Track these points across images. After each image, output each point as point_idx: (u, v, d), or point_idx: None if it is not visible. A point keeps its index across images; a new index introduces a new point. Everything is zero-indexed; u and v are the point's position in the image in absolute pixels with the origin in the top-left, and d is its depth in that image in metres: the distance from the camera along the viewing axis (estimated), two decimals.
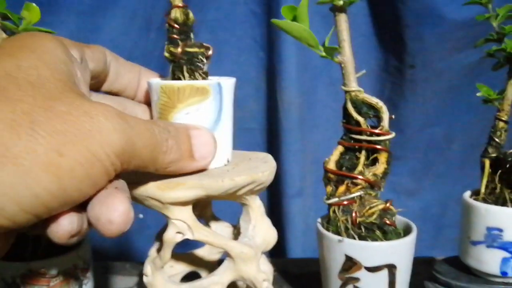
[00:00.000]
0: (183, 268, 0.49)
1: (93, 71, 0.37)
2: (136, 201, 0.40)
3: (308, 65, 0.83)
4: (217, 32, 0.82)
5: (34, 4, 0.40)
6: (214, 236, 0.41)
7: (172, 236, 0.40)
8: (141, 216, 0.71)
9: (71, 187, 0.26)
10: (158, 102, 0.40)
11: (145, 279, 0.43)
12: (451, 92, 0.87)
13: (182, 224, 0.40)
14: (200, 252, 0.51)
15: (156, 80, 0.41)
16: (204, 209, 0.49)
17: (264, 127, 0.88)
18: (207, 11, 0.81)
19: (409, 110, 0.86)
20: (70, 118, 0.26)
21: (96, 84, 0.39)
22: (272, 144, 0.86)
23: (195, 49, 0.39)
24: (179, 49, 0.39)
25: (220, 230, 0.49)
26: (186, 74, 0.39)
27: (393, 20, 0.82)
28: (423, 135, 0.88)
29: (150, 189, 0.38)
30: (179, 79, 0.40)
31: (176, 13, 0.39)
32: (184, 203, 0.39)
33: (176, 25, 0.38)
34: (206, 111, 0.40)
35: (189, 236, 0.40)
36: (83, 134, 0.26)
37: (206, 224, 0.50)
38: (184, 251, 0.50)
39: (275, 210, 0.87)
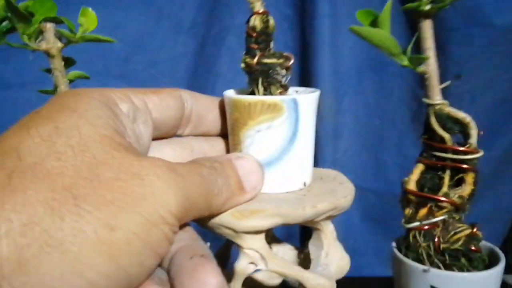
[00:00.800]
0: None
1: (157, 119, 0.33)
2: (206, 228, 0.36)
3: (339, 70, 0.79)
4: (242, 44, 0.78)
5: (90, 9, 0.36)
6: (289, 267, 0.37)
7: (244, 267, 0.36)
8: (208, 244, 0.67)
9: (130, 263, 0.22)
10: (230, 117, 0.36)
11: None
12: (502, 105, 0.81)
13: (255, 254, 0.36)
14: (259, 276, 0.47)
15: (230, 93, 0.37)
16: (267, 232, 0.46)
17: None
18: (236, 15, 0.76)
19: None
20: (118, 184, 0.23)
21: (172, 131, 0.36)
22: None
23: (273, 60, 0.35)
24: (255, 60, 0.35)
25: (283, 253, 0.46)
26: (260, 88, 0.35)
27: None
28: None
29: (224, 217, 0.34)
30: (254, 93, 0.36)
31: (255, 21, 0.35)
32: (258, 232, 0.35)
33: (254, 34, 0.34)
34: (279, 129, 0.36)
35: (262, 267, 0.36)
36: (135, 199, 0.23)
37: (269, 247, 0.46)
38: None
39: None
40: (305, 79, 0.79)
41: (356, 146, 0.83)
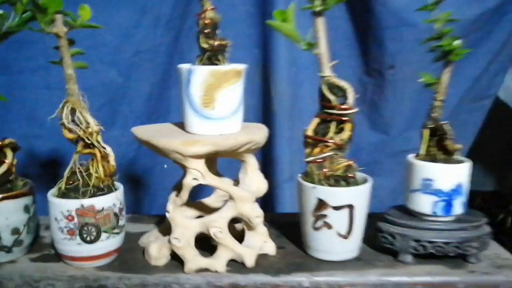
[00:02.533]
0: (193, 213, 0.63)
1: None
2: (163, 155, 0.54)
3: (297, 61, 0.95)
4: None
5: (86, 6, 0.53)
6: (221, 182, 0.56)
7: (189, 181, 0.54)
8: (165, 166, 0.84)
9: None
10: (204, 83, 0.53)
11: (167, 214, 0.56)
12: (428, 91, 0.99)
13: (197, 172, 0.54)
14: (207, 200, 0.65)
15: (200, 67, 0.54)
16: (211, 168, 0.63)
17: (260, 119, 0.96)
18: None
19: (390, 111, 0.94)
20: None
21: None
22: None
23: (225, 42, 0.53)
24: (217, 42, 0.53)
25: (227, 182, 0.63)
26: (223, 61, 0.54)
27: (373, 23, 0.90)
28: (406, 136, 0.94)
29: (176, 145, 0.52)
30: (215, 65, 0.54)
31: (210, 14, 0.53)
32: (199, 157, 0.53)
33: (209, 23, 0.52)
34: (240, 88, 0.55)
35: (202, 181, 0.54)
36: None
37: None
38: (195, 200, 0.64)
39: (269, 194, 0.99)
40: (266, 68, 0.94)
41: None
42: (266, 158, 0.94)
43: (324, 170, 0.58)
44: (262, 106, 0.96)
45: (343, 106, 0.57)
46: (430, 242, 0.56)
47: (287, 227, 0.67)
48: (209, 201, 0.64)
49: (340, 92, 0.58)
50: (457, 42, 0.55)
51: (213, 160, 0.62)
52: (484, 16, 0.95)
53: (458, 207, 0.57)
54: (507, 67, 1.10)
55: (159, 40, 0.88)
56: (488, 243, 0.58)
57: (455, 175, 0.56)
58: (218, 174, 0.64)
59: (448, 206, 0.56)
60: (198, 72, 0.53)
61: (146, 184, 0.91)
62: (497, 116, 1.44)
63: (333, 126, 0.58)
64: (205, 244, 0.59)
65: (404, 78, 0.94)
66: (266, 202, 0.96)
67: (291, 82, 0.92)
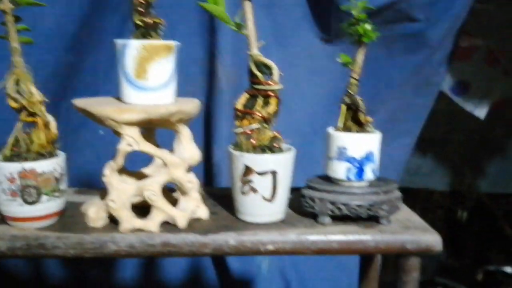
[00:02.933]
0: (134, 181, 0.68)
1: None
2: (99, 122, 0.58)
3: (244, 46, 1.02)
4: (170, 17, 0.99)
5: None
6: (154, 149, 0.61)
7: (124, 147, 0.59)
8: (101, 132, 0.89)
9: None
10: (137, 56, 0.58)
11: (104, 178, 0.61)
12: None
13: (131, 139, 0.59)
14: (146, 170, 0.70)
15: (131, 41, 0.59)
16: (150, 139, 0.68)
17: (208, 97, 1.04)
18: None
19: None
20: None
21: None
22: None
23: (159, 20, 0.59)
24: (150, 20, 0.58)
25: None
26: (156, 37, 0.59)
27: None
28: None
29: (109, 112, 0.56)
30: (148, 39, 0.60)
31: None
32: (133, 123, 0.58)
33: (144, 1, 0.58)
34: (171, 62, 0.61)
35: (136, 147, 0.59)
36: None
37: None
38: (135, 169, 0.69)
39: (211, 168, 1.05)
40: (212, 55, 1.01)
41: None
42: (208, 134, 1.00)
43: (252, 140, 0.64)
44: (210, 84, 1.03)
45: (269, 82, 0.63)
46: (344, 204, 0.63)
47: (224, 197, 0.73)
48: (148, 170, 0.69)
49: (266, 69, 0.64)
50: (368, 26, 0.62)
51: (151, 131, 0.67)
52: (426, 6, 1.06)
53: (369, 173, 0.63)
54: (448, 58, 1.20)
55: (104, 21, 0.93)
56: (398, 207, 0.65)
57: (366, 144, 0.62)
58: (156, 145, 0.69)
59: (360, 172, 0.63)
60: (131, 46, 0.58)
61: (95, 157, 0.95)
62: (457, 120, 1.55)
63: (260, 101, 0.64)
64: (146, 212, 0.64)
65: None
66: (209, 176, 1.02)
67: (235, 65, 0.99)
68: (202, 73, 1.04)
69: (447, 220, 2.38)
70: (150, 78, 0.59)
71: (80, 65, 0.92)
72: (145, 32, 0.59)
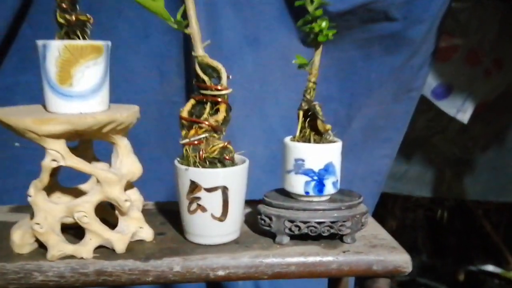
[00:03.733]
0: (68, 199, 0.61)
1: None
2: (18, 134, 0.51)
3: (223, 46, 0.96)
4: (144, 14, 0.91)
5: None
6: (84, 164, 0.53)
7: (48, 163, 0.51)
8: (17, 144, 0.81)
9: None
10: (59, 58, 0.51)
11: (29, 199, 0.53)
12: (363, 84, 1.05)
13: (56, 154, 0.51)
14: (83, 187, 0.62)
15: (52, 42, 0.51)
16: (86, 152, 0.60)
17: (185, 100, 0.98)
18: None
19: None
20: None
21: None
22: None
23: (85, 18, 0.51)
24: (73, 17, 0.51)
25: (99, 167, 0.61)
26: (83, 37, 0.52)
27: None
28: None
29: (27, 123, 0.49)
30: (72, 39, 0.52)
31: None
32: (56, 136, 0.51)
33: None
34: (100, 65, 0.53)
35: (62, 163, 0.52)
36: None
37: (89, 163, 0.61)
38: (71, 185, 0.61)
39: None
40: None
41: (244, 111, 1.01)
42: None
43: (200, 152, 0.57)
44: (186, 88, 0.98)
45: (217, 87, 0.56)
46: (304, 222, 0.56)
47: (175, 214, 0.66)
48: (85, 186, 0.62)
49: (214, 72, 0.57)
50: (324, 24, 0.55)
51: (87, 143, 0.59)
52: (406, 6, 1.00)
53: (330, 187, 0.57)
54: (429, 60, 1.15)
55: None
56: (363, 223, 0.59)
57: (324, 154, 0.56)
58: (94, 159, 0.61)
59: (320, 186, 0.56)
60: (52, 47, 0.50)
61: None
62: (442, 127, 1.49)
63: (207, 108, 0.57)
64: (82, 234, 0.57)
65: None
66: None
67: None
68: (179, 74, 0.98)
69: (428, 220, 2.35)
70: (75, 83, 0.51)
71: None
72: (70, 31, 0.52)
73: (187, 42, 0.95)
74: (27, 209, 0.69)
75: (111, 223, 0.58)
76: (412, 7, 1.01)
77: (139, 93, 0.95)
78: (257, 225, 0.60)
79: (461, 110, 1.42)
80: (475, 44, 1.41)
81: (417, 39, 1.07)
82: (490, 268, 2.06)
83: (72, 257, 0.53)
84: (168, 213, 0.67)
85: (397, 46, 1.06)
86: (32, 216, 0.56)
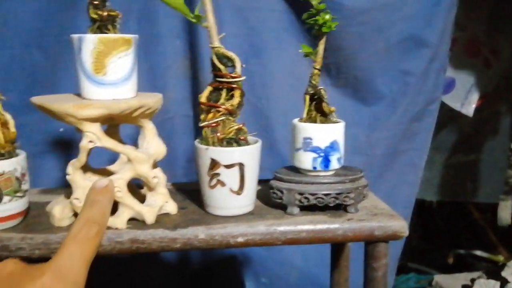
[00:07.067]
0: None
1: None
2: (58, 118, 0.57)
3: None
4: (142, 24, 0.91)
5: None
6: (117, 145, 0.60)
7: (85, 144, 0.58)
8: (61, 129, 0.87)
9: None
10: (94, 50, 0.57)
11: (68, 177, 0.60)
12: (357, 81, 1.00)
13: (93, 135, 0.58)
14: (112, 167, 0.68)
15: (89, 35, 0.58)
16: (114, 135, 0.67)
17: (191, 109, 0.97)
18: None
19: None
20: None
21: None
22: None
23: (115, 13, 0.58)
24: (106, 13, 0.57)
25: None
26: (113, 30, 0.58)
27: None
28: None
29: (69, 108, 0.55)
30: (105, 33, 0.58)
31: None
32: (93, 120, 0.57)
33: None
34: (130, 56, 0.59)
35: (98, 144, 0.58)
36: None
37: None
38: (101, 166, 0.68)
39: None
40: (191, 58, 0.96)
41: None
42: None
43: (218, 134, 0.63)
44: (193, 96, 0.97)
45: (232, 75, 0.63)
46: (312, 194, 0.63)
47: (192, 192, 0.72)
48: (113, 167, 0.68)
49: (229, 62, 0.64)
50: (327, 16, 0.62)
51: (115, 127, 0.66)
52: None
53: (335, 163, 0.64)
54: (446, 65, 1.09)
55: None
56: (364, 195, 0.66)
57: (330, 133, 0.63)
58: (121, 141, 0.68)
59: (326, 161, 0.63)
60: (87, 40, 0.57)
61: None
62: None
63: (224, 93, 0.64)
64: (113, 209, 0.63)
65: (335, 63, 0.99)
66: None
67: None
68: (183, 85, 0.97)
69: (418, 206, 2.43)
70: (109, 72, 0.57)
71: (42, 62, 0.88)
72: (102, 26, 0.58)
73: (189, 51, 0.94)
74: (53, 191, 0.76)
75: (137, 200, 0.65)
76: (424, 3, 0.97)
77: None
78: (269, 200, 0.67)
79: (465, 104, 1.38)
80: (471, 36, 1.38)
81: (436, 40, 1.01)
82: (478, 252, 2.15)
83: (108, 228, 0.60)
84: (185, 192, 0.74)
85: (418, 49, 1.00)
86: (68, 193, 0.62)
